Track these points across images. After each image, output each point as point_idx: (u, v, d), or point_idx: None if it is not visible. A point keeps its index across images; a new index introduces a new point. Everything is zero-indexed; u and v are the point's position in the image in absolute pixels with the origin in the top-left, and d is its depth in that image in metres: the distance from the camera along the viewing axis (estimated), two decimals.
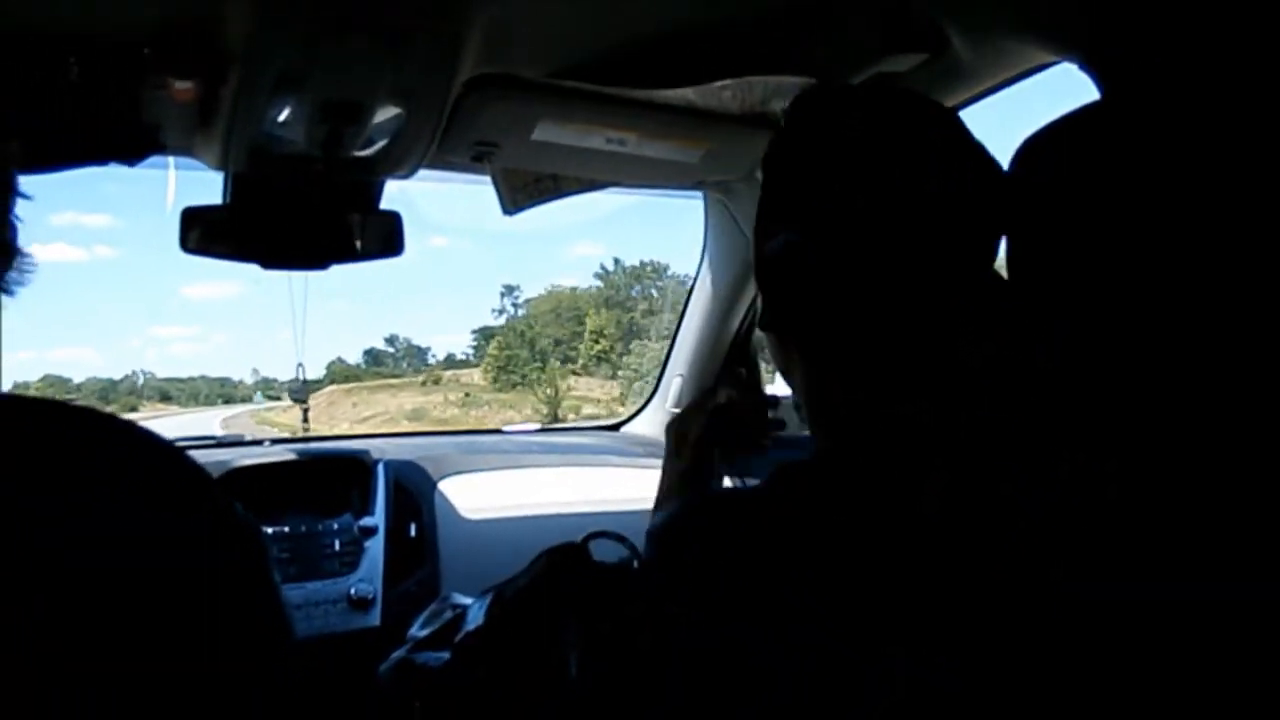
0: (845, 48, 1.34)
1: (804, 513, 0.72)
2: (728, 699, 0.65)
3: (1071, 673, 0.59)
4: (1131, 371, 0.61)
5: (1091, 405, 0.63)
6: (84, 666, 0.51)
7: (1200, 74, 1.04)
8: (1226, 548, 0.57)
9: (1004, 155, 0.72)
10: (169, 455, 0.61)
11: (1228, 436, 0.58)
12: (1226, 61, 1.01)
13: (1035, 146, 0.71)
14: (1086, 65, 1.13)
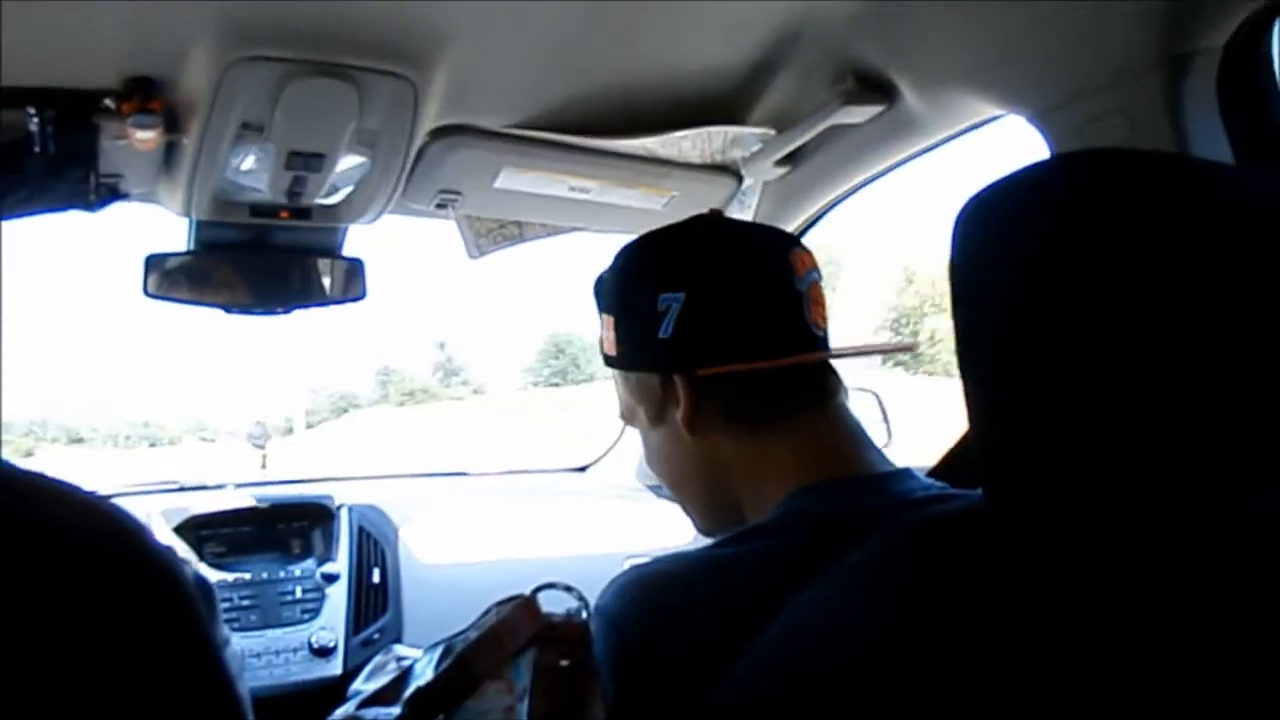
0: (801, 100, 1.37)
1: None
2: None
3: None
4: (1079, 426, 0.60)
5: (1038, 458, 0.63)
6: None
7: (1150, 129, 1.07)
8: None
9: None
10: (74, 500, 0.61)
11: (1177, 489, 0.58)
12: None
13: (980, 202, 0.71)
14: (1035, 120, 1.16)
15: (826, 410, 0.88)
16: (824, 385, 0.89)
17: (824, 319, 0.90)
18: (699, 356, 0.86)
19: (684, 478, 0.94)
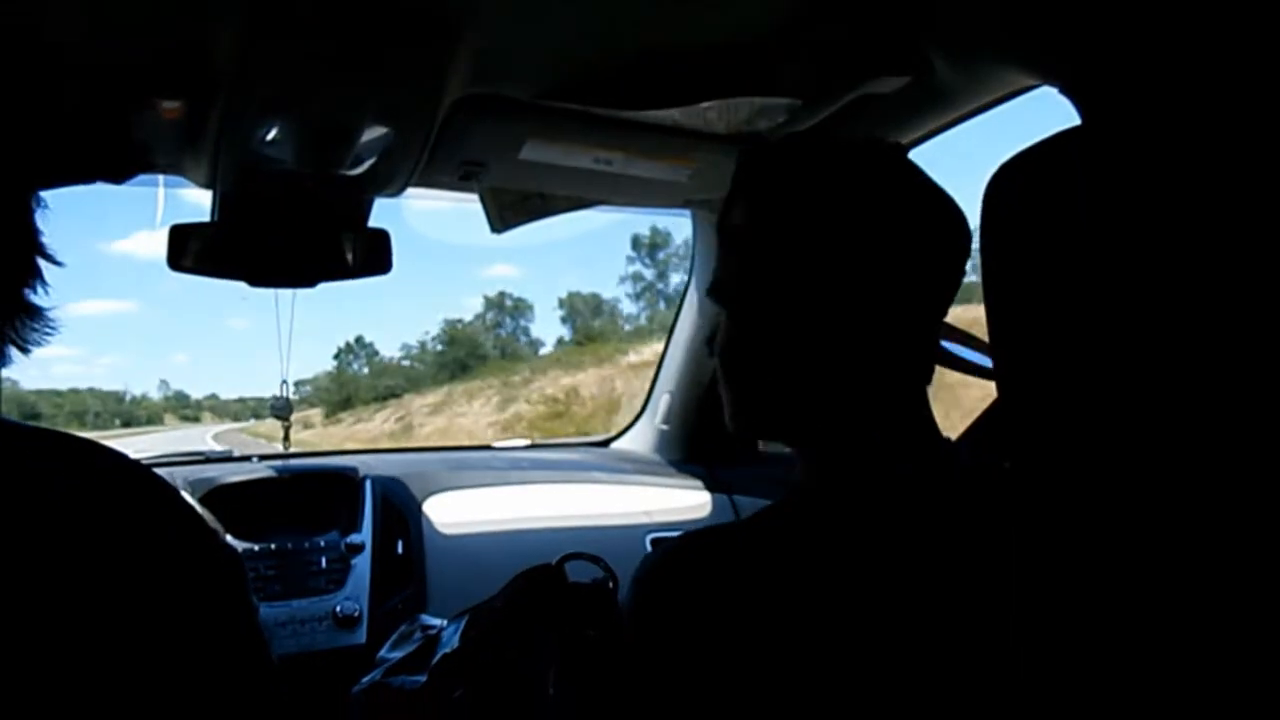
0: (829, 70, 1.35)
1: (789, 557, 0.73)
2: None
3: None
4: (1108, 396, 0.60)
5: (1068, 428, 0.63)
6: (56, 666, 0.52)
7: (1183, 100, 1.05)
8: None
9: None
10: (132, 470, 0.62)
11: (1205, 462, 0.57)
12: (1210, 88, 1.02)
13: (1010, 171, 0.70)
14: (1067, 91, 1.14)
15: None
16: None
17: None
18: None
19: None
